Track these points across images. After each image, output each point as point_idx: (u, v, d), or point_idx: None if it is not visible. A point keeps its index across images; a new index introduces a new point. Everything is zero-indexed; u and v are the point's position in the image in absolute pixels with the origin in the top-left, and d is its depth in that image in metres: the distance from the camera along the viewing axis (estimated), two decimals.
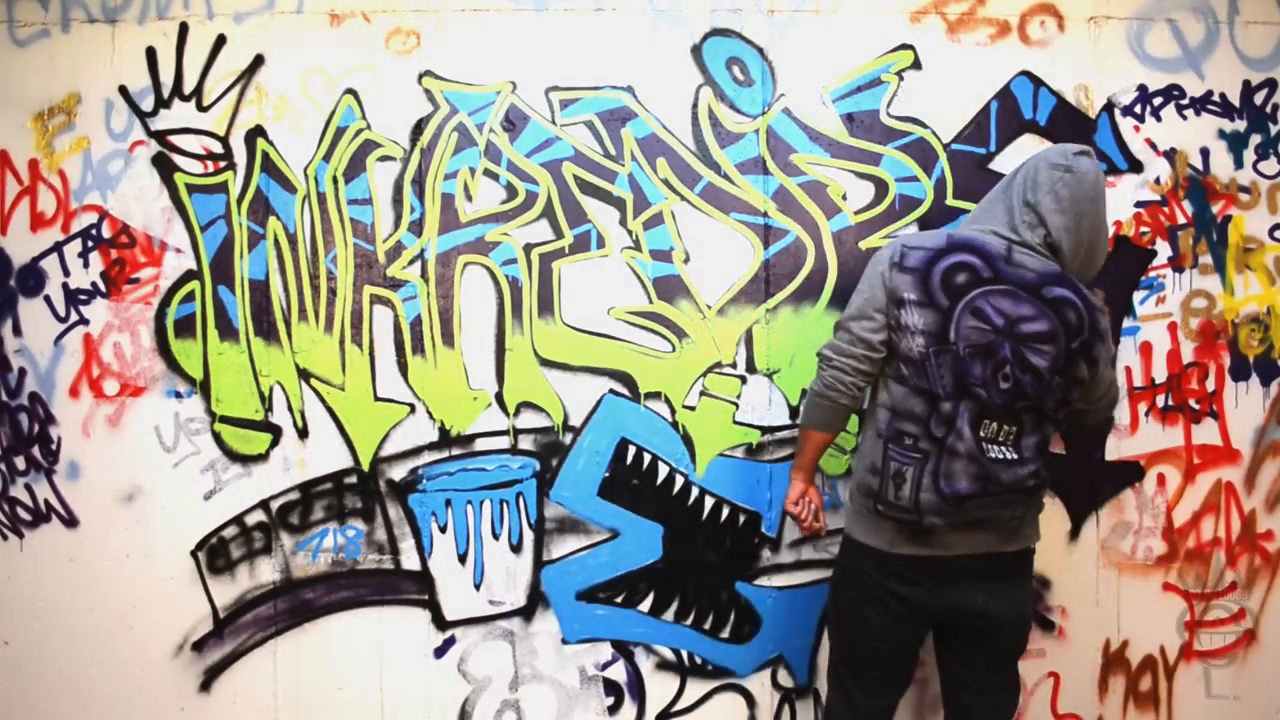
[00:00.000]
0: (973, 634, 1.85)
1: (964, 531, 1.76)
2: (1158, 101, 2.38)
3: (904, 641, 1.89)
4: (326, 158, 2.35)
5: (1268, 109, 2.39)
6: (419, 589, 2.37)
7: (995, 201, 1.88)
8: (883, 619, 1.85)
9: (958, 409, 1.71)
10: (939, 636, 1.95)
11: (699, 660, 2.39)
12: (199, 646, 2.37)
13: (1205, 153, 2.39)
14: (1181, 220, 2.39)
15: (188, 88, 2.35)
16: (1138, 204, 2.38)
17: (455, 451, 2.36)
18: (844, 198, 2.36)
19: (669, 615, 2.39)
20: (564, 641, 2.39)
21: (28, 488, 2.37)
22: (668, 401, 2.36)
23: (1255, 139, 2.39)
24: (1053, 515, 2.38)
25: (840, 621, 1.97)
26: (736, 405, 2.36)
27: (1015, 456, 1.72)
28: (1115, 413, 1.94)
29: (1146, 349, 2.40)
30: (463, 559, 2.37)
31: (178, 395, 2.35)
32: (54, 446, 2.36)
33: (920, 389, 1.75)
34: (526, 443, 2.36)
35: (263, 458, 2.36)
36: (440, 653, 2.38)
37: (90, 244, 2.35)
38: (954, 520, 1.73)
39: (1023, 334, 1.70)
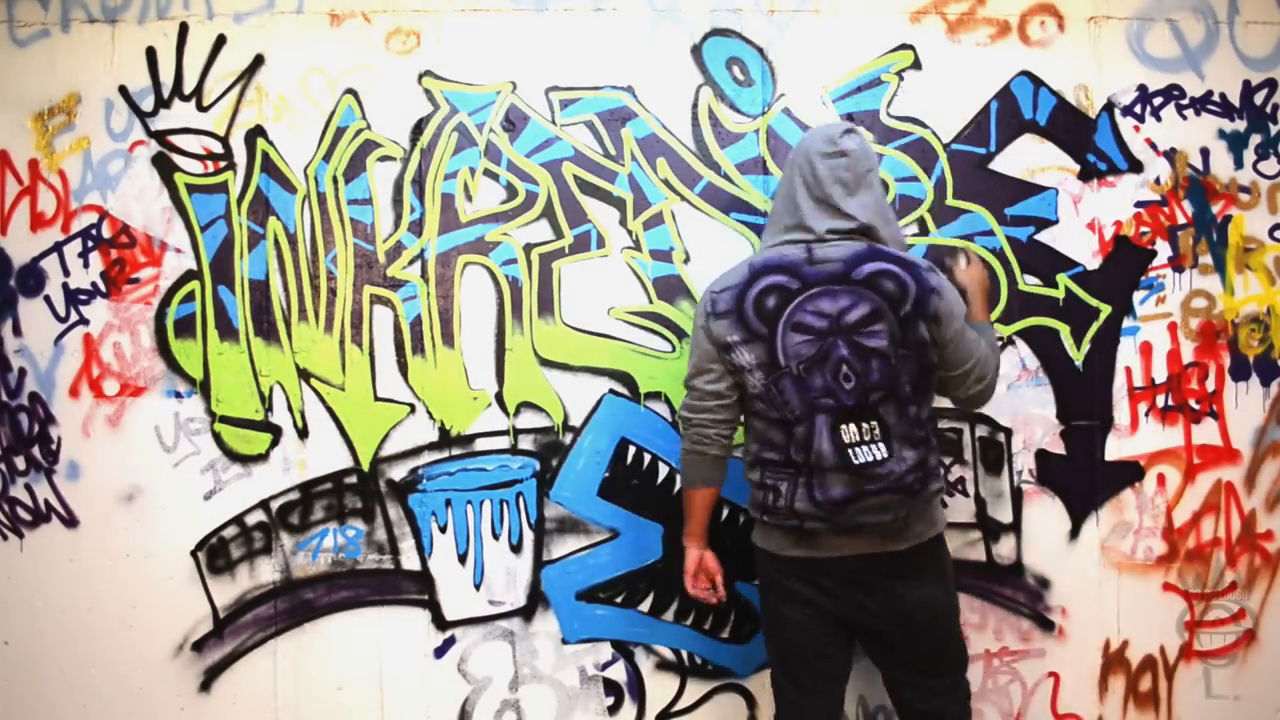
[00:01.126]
0: (881, 633, 1.83)
1: (846, 535, 1.75)
2: (1158, 101, 2.38)
3: (822, 635, 1.87)
4: (326, 158, 2.35)
5: (1268, 109, 2.39)
6: (419, 589, 2.37)
7: (781, 212, 1.86)
8: (797, 614, 1.85)
9: (812, 428, 1.71)
10: (861, 641, 1.92)
11: (699, 660, 2.39)
12: (199, 646, 2.37)
13: (1205, 153, 2.39)
14: (1181, 220, 2.39)
15: (188, 88, 2.35)
16: (1138, 204, 2.38)
17: (455, 451, 2.36)
18: None
19: (669, 615, 2.39)
20: (564, 641, 2.39)
21: (28, 488, 2.37)
22: (668, 401, 2.36)
23: (1255, 139, 2.39)
24: (1053, 515, 2.38)
25: (766, 626, 1.97)
26: None
27: (886, 454, 1.70)
28: (991, 383, 1.87)
29: (1146, 349, 2.40)
30: (463, 559, 2.37)
31: (178, 395, 2.35)
32: (54, 446, 2.36)
33: (773, 418, 1.76)
34: (526, 443, 2.36)
35: (263, 458, 2.36)
36: (440, 653, 2.38)
37: (90, 244, 2.35)
38: (834, 524, 1.72)
39: (850, 324, 1.70)
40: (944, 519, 1.89)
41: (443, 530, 2.37)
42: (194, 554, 2.37)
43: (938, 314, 1.74)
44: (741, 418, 1.89)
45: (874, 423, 1.70)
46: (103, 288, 2.36)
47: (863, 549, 1.77)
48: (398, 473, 2.36)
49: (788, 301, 1.72)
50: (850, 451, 1.69)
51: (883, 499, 1.71)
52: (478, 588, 2.37)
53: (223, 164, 2.35)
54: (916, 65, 2.36)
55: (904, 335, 1.71)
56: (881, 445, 1.70)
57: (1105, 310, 2.38)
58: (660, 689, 2.39)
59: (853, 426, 1.70)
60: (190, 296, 2.35)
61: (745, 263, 1.83)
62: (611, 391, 2.36)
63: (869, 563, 1.78)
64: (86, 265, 2.35)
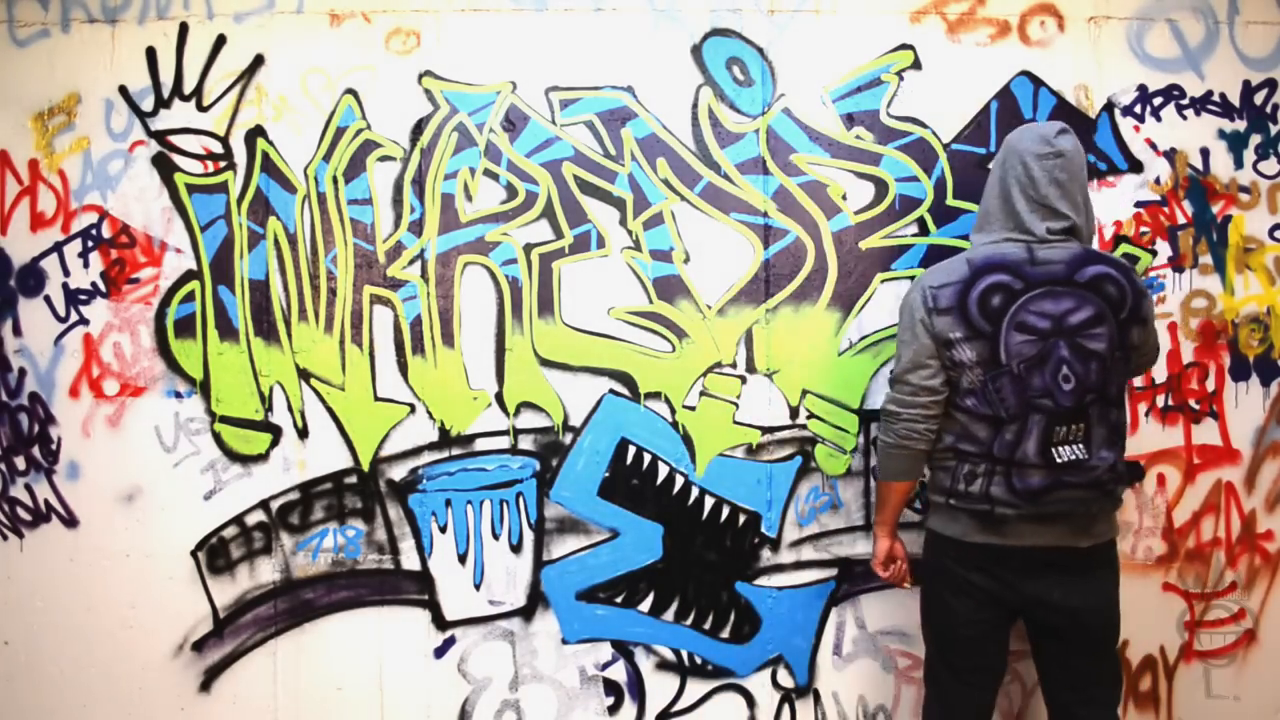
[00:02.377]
0: (1055, 628, 1.85)
1: (1036, 523, 1.78)
2: (1158, 101, 2.38)
3: (988, 628, 1.89)
4: (326, 158, 2.35)
5: (1268, 109, 2.39)
6: (419, 589, 2.37)
7: (995, 212, 1.88)
8: (965, 606, 1.88)
9: (1024, 427, 1.74)
10: (1030, 636, 1.95)
11: (699, 660, 2.39)
12: (199, 646, 2.37)
13: (1205, 153, 2.39)
14: (1181, 220, 2.39)
15: (188, 88, 2.35)
16: (1138, 204, 2.38)
17: (455, 451, 2.36)
18: (844, 198, 2.36)
19: (669, 615, 2.39)
20: (564, 641, 2.39)
21: (28, 488, 2.37)
22: (668, 401, 2.36)
23: (1255, 139, 2.39)
24: None
25: (929, 613, 1.99)
26: (736, 405, 2.36)
27: (1086, 455, 1.74)
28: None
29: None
30: (463, 559, 2.37)
31: (178, 395, 2.35)
32: (54, 446, 2.36)
33: (982, 415, 1.79)
34: (526, 443, 2.36)
35: (263, 458, 2.36)
36: (440, 653, 2.38)
37: (90, 244, 2.35)
38: (1025, 512, 1.75)
39: (1072, 326, 1.73)
40: (1119, 524, 1.92)
41: (443, 530, 2.37)
42: (194, 554, 2.37)
43: (1147, 317, 1.82)
44: None
45: (1080, 424, 1.74)
46: (103, 288, 2.36)
47: (1050, 540, 1.79)
48: (398, 473, 2.36)
49: (1011, 301, 1.75)
50: (1055, 450, 1.73)
51: (1077, 492, 1.75)
52: (478, 588, 2.37)
53: (223, 164, 2.35)
54: (916, 65, 2.36)
55: (1121, 339, 1.76)
56: (1082, 445, 1.74)
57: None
58: (660, 689, 2.39)
59: (1062, 427, 1.74)
60: (190, 296, 2.35)
61: (962, 259, 1.85)
62: (611, 391, 2.36)
63: (1053, 555, 1.80)
64: (86, 265, 2.35)
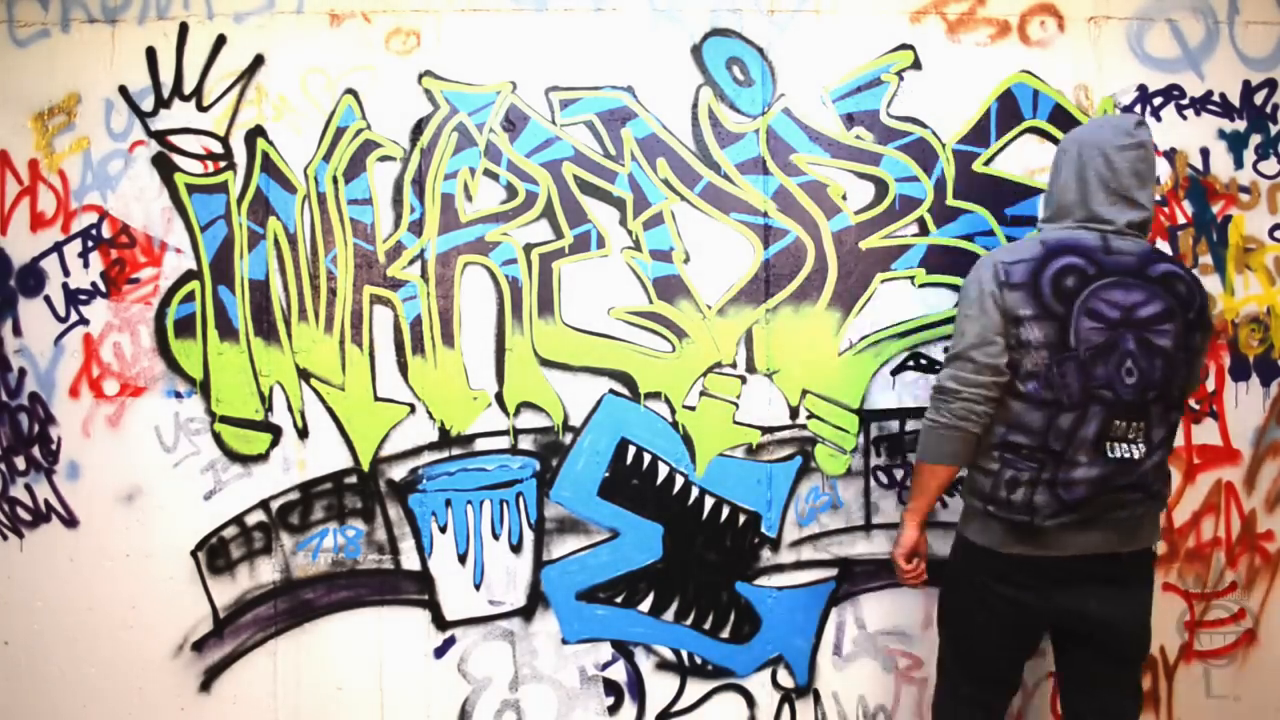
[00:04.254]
0: (1087, 639, 1.81)
1: (1078, 531, 1.73)
2: (1158, 101, 2.38)
3: (1014, 642, 1.86)
4: (326, 158, 2.35)
5: (1268, 109, 2.39)
6: (419, 589, 2.37)
7: (1069, 202, 1.83)
8: (991, 623, 1.83)
9: (1084, 416, 1.69)
10: (1055, 640, 1.91)
11: (699, 660, 2.39)
12: (199, 646, 2.37)
13: (1205, 153, 2.39)
14: (1181, 220, 2.39)
15: (188, 88, 2.35)
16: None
17: (455, 451, 2.36)
18: (844, 198, 2.36)
19: (669, 615, 2.39)
20: (564, 641, 2.39)
21: (28, 488, 2.37)
22: (668, 401, 2.36)
23: (1255, 139, 2.39)
24: None
25: (950, 619, 1.95)
26: (736, 405, 2.36)
27: (1142, 453, 1.70)
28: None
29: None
30: (463, 559, 2.37)
31: (178, 395, 2.35)
32: (54, 446, 2.36)
33: (1042, 401, 1.72)
34: (526, 443, 2.36)
35: (263, 458, 2.36)
36: (440, 653, 2.38)
37: (90, 244, 2.35)
38: (1069, 521, 1.70)
39: (1142, 319, 1.70)
40: (1160, 535, 1.88)
41: (443, 530, 2.37)
42: (194, 554, 2.37)
43: (1210, 324, 1.78)
44: None
45: (1142, 422, 1.70)
46: (103, 288, 2.36)
47: (1091, 548, 1.75)
48: (398, 473, 2.36)
49: (1084, 285, 1.71)
50: (1110, 445, 1.69)
51: (1125, 495, 1.71)
52: (478, 588, 2.37)
53: (223, 164, 2.35)
54: (916, 65, 2.36)
55: (1186, 339, 1.72)
56: (1141, 445, 1.71)
57: None
58: (660, 689, 2.39)
59: (1123, 424, 1.69)
60: (190, 296, 2.35)
61: (1035, 240, 1.81)
62: (611, 391, 2.36)
63: (1094, 565, 1.75)
64: (86, 265, 2.35)
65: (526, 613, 2.38)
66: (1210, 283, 2.39)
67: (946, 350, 1.88)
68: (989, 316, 1.76)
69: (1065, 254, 1.74)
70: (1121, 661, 1.84)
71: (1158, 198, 2.38)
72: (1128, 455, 1.69)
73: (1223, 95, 2.39)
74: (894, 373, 2.37)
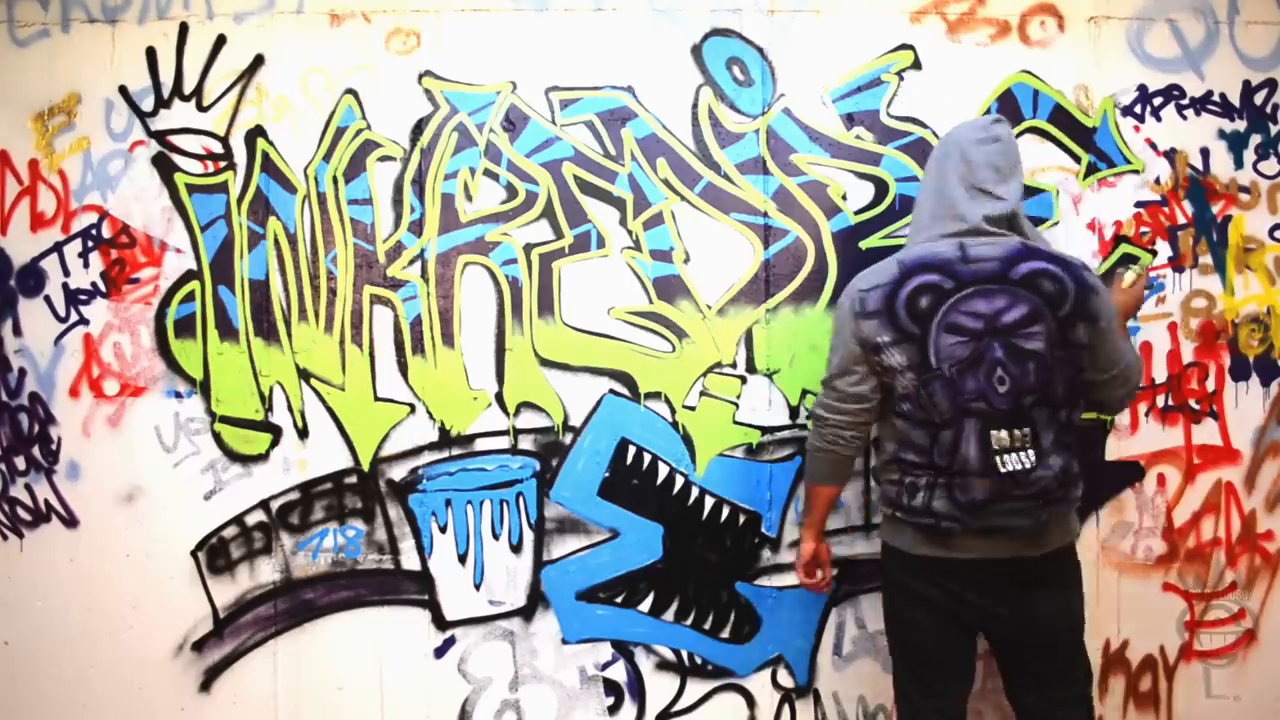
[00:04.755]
0: (1010, 640, 1.81)
1: (981, 537, 1.72)
2: (1158, 101, 2.38)
3: (949, 639, 1.85)
4: (326, 158, 2.35)
5: (1268, 109, 2.39)
6: (419, 589, 2.37)
7: (931, 207, 1.83)
8: (923, 618, 1.84)
9: (960, 432, 1.67)
10: (991, 645, 1.89)
11: (699, 660, 2.39)
12: (199, 646, 2.37)
13: (1205, 153, 2.39)
14: (1181, 220, 2.39)
15: (188, 88, 2.35)
16: (1138, 204, 2.38)
17: (455, 451, 2.36)
18: (844, 198, 2.36)
19: (669, 615, 2.39)
20: (564, 641, 2.39)
21: (28, 488, 2.37)
22: (668, 401, 2.36)
23: (1255, 139, 2.39)
24: None
25: (889, 624, 1.95)
26: (736, 405, 2.36)
27: (1034, 462, 1.66)
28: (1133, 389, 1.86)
29: (1146, 349, 2.40)
30: (463, 559, 2.37)
31: (178, 395, 2.35)
32: (54, 446, 2.36)
33: (920, 420, 1.72)
34: (526, 443, 2.36)
35: (263, 458, 2.36)
36: (440, 653, 2.38)
37: (90, 244, 2.35)
38: (970, 525, 1.69)
39: (1006, 325, 1.66)
40: (1079, 526, 1.86)
41: (443, 530, 2.37)
42: (194, 554, 2.37)
43: (1096, 313, 1.71)
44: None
45: (1026, 429, 1.66)
46: (103, 288, 2.36)
47: (998, 552, 1.73)
48: (398, 473, 2.36)
49: (941, 301, 1.68)
50: (999, 459, 1.65)
51: (1022, 504, 1.68)
52: (478, 588, 2.37)
53: (223, 164, 2.35)
54: (916, 65, 2.36)
55: (1062, 337, 1.68)
56: (1031, 452, 1.66)
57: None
58: (660, 689, 2.39)
59: (1004, 432, 1.66)
60: (190, 296, 2.35)
61: (893, 260, 1.79)
62: (611, 391, 2.36)
63: (1003, 567, 1.74)
64: (86, 265, 2.35)
65: (526, 613, 2.38)
66: (1210, 283, 2.39)
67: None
68: (848, 348, 1.79)
69: (921, 272, 1.71)
70: (1053, 655, 1.82)
71: (1158, 197, 2.38)
72: (1018, 467, 1.65)
73: (1223, 95, 2.39)
74: None
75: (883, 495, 1.88)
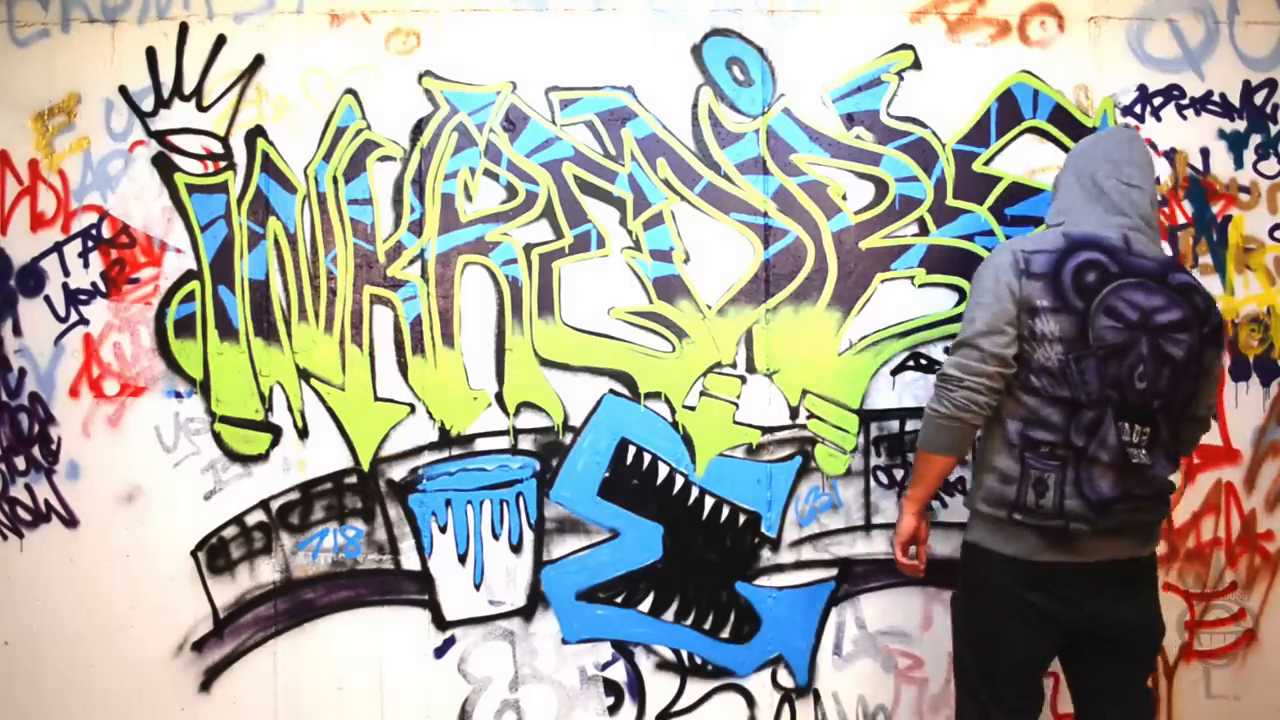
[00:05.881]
0: (1110, 643, 1.79)
1: (1107, 537, 1.70)
2: (1158, 101, 2.38)
3: (1043, 650, 1.81)
4: (326, 158, 2.35)
5: (1268, 109, 2.39)
6: (419, 589, 2.37)
7: (1083, 193, 1.82)
8: (1022, 631, 1.77)
9: (1103, 415, 1.66)
10: (1070, 648, 1.85)
11: (699, 660, 2.39)
12: (199, 646, 2.37)
13: (1205, 153, 2.39)
14: (1181, 220, 2.39)
15: (188, 88, 2.35)
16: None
17: (455, 451, 2.36)
18: (844, 198, 2.36)
19: (669, 615, 2.39)
20: (564, 641, 2.39)
21: (28, 488, 2.37)
22: (668, 401, 2.36)
23: (1255, 139, 2.39)
24: None
25: (977, 638, 1.85)
26: (736, 405, 2.36)
27: (1150, 460, 1.67)
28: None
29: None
30: (463, 559, 2.37)
31: (178, 395, 2.35)
32: (54, 446, 2.36)
33: (1057, 398, 1.68)
34: (526, 443, 2.36)
35: (263, 458, 2.36)
36: (440, 653, 2.38)
37: (90, 244, 2.35)
38: (1099, 526, 1.67)
39: (1159, 325, 1.67)
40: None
41: (443, 530, 2.37)
42: (194, 554, 2.37)
43: (1222, 344, 1.75)
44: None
45: (1148, 429, 1.67)
46: (103, 288, 2.36)
47: (1119, 553, 1.73)
48: (398, 473, 2.36)
49: (1105, 282, 1.67)
50: (1130, 450, 1.66)
51: (1146, 502, 1.70)
52: (478, 588, 2.37)
53: (223, 164, 2.35)
54: (916, 65, 2.36)
55: (1198, 354, 1.71)
56: (1148, 453, 1.68)
57: None
58: (660, 689, 2.39)
59: (1130, 426, 1.66)
60: (190, 296, 2.35)
61: (1057, 232, 1.76)
62: (611, 391, 2.36)
63: (1122, 568, 1.74)
64: (86, 265, 2.35)
65: (526, 613, 2.38)
66: (1210, 283, 2.39)
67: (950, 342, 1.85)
68: (1002, 305, 1.71)
69: (1088, 249, 1.70)
70: (1143, 662, 1.84)
71: (1158, 198, 2.38)
72: (1143, 462, 1.67)
73: (1223, 95, 2.39)
74: (894, 373, 2.37)
75: (990, 495, 1.78)
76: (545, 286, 2.34)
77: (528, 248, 2.34)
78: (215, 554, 2.37)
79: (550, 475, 2.36)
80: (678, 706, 2.39)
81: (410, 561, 2.37)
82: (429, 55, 2.35)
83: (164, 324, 2.35)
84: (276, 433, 2.36)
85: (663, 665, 2.40)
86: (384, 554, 2.37)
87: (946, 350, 2.29)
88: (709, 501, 2.37)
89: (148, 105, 2.35)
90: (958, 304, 2.35)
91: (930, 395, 1.83)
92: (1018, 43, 2.37)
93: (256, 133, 2.35)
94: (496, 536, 2.37)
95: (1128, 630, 1.77)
